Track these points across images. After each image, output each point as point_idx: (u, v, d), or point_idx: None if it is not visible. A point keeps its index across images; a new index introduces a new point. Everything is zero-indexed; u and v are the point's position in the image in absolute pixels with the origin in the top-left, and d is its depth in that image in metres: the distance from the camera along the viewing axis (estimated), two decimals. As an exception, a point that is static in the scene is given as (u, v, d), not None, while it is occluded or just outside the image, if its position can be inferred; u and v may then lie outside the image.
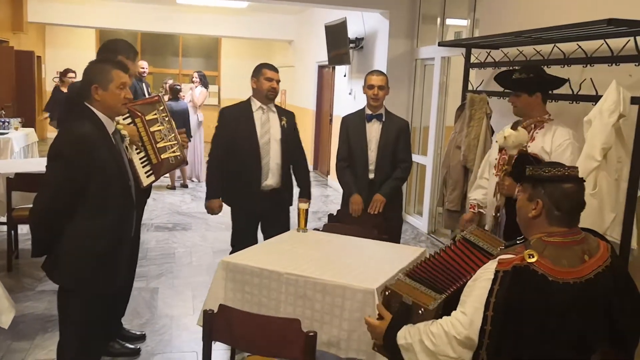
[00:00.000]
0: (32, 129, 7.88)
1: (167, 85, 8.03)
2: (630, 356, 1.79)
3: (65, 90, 7.78)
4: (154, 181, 3.02)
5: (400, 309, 1.83)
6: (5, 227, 4.58)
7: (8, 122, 7.23)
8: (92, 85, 2.35)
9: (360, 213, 3.70)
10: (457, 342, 1.64)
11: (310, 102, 10.48)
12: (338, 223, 3.54)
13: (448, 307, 1.76)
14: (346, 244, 3.07)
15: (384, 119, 3.79)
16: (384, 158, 3.75)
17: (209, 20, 11.28)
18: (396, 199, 3.85)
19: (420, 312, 1.77)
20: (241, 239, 3.49)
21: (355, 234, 3.27)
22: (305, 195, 3.72)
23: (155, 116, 3.00)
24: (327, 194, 8.46)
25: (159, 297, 4.15)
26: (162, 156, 3.00)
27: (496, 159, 3.01)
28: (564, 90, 3.23)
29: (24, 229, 5.03)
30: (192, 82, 8.73)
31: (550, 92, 3.05)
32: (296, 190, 3.77)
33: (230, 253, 3.32)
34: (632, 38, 2.87)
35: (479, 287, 1.65)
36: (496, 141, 3.01)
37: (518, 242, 1.80)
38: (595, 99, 2.94)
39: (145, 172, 2.96)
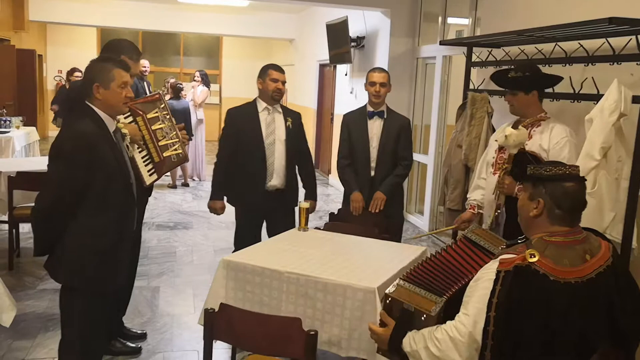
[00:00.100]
0: (34, 128, 7.89)
1: (169, 83, 8.03)
2: (631, 356, 1.79)
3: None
4: (156, 179, 3.02)
5: (402, 315, 1.83)
6: (6, 226, 4.59)
7: (9, 121, 7.23)
8: (93, 84, 2.35)
9: (360, 211, 3.70)
10: (462, 345, 1.63)
11: (311, 101, 10.48)
12: (339, 222, 3.54)
13: (450, 307, 1.76)
14: (347, 243, 3.07)
15: (385, 116, 3.79)
16: (385, 155, 3.75)
17: (210, 19, 11.28)
18: (397, 196, 3.85)
19: (422, 318, 1.77)
20: (244, 239, 3.49)
21: (356, 232, 3.27)
22: (311, 197, 3.73)
23: (157, 114, 2.99)
24: (328, 193, 8.45)
25: (160, 295, 4.16)
26: (164, 154, 3.00)
27: (493, 157, 3.01)
28: (565, 89, 3.23)
29: (25, 228, 5.04)
30: (194, 80, 8.74)
31: (547, 90, 3.04)
32: (301, 192, 3.78)
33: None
34: (633, 37, 2.87)
35: (481, 287, 1.65)
36: (495, 140, 3.00)
37: (519, 241, 1.80)
38: (596, 97, 2.94)
39: (148, 171, 2.96)
